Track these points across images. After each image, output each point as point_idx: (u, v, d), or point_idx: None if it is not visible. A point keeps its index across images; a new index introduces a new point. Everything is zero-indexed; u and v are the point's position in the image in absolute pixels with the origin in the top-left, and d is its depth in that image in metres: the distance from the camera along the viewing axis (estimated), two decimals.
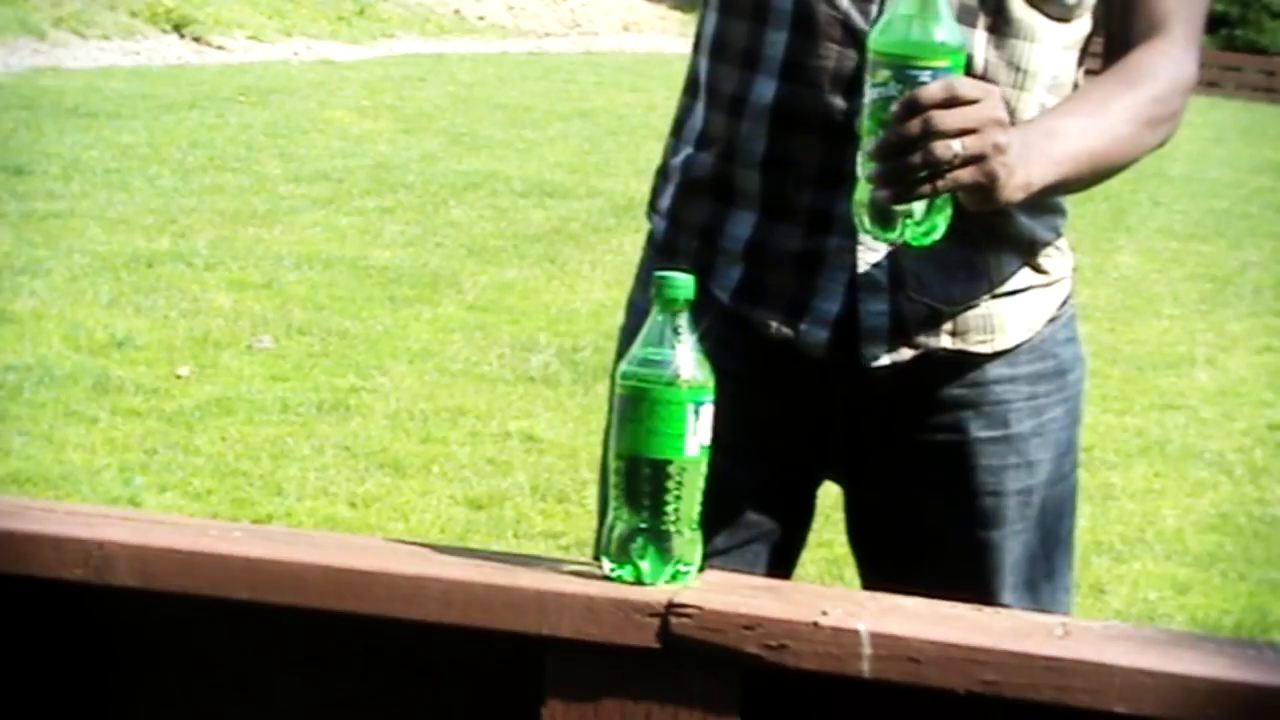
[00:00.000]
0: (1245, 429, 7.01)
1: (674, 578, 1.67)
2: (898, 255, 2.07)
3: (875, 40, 1.80)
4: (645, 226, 2.26)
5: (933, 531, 2.15)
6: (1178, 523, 5.75)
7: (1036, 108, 2.08)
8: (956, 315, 2.11)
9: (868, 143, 1.81)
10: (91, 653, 1.78)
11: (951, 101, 1.76)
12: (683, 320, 1.68)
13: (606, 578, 1.67)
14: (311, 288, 8.02)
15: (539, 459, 5.86)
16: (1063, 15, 2.07)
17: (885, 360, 2.08)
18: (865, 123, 1.80)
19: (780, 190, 2.11)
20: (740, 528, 2.15)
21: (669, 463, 1.67)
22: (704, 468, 1.69)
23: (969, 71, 1.92)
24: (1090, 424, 6.58)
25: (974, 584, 2.09)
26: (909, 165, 1.77)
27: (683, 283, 1.69)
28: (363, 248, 8.98)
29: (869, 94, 1.79)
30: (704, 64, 2.16)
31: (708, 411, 1.68)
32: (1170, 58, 2.06)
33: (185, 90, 13.72)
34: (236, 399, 6.25)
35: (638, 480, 1.67)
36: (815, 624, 1.58)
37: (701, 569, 1.70)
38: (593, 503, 5.38)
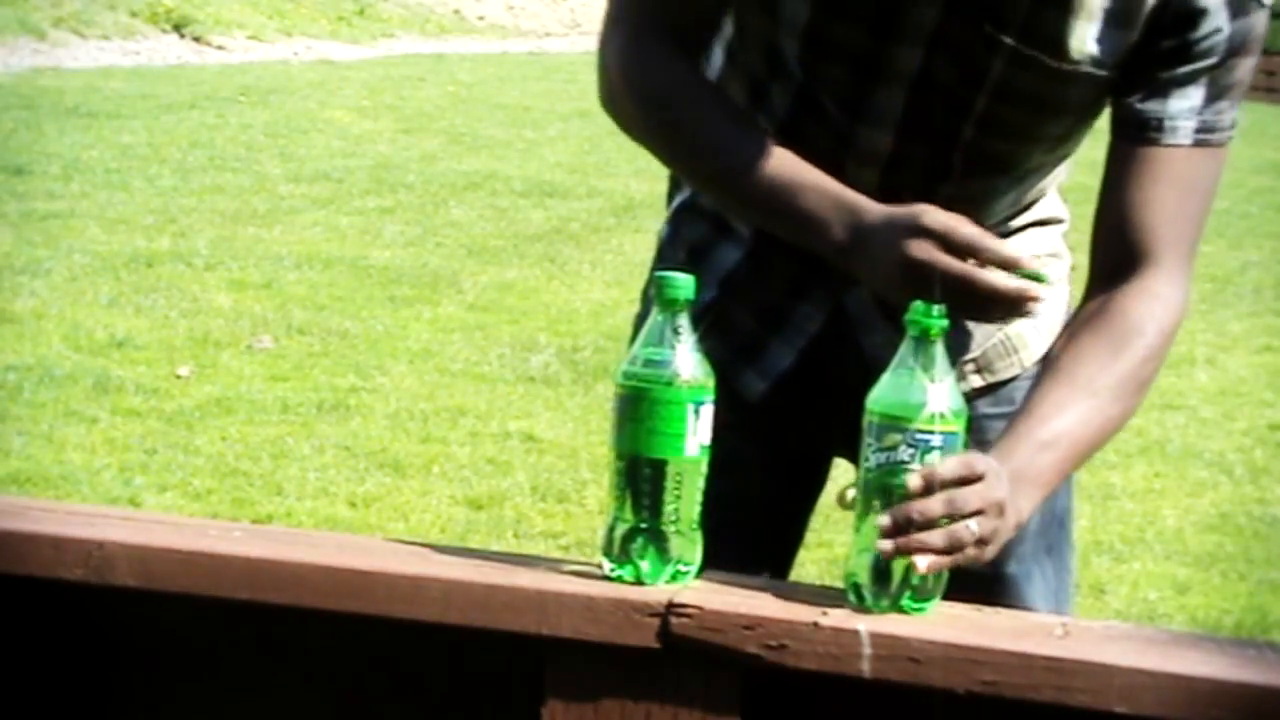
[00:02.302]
0: (1245, 429, 7.00)
1: (674, 578, 1.67)
2: (900, 322, 2.10)
3: (880, 402, 1.68)
4: (646, 226, 2.28)
5: None
6: (1178, 523, 5.74)
7: (1004, 208, 2.10)
8: (976, 357, 2.14)
9: (875, 509, 1.68)
10: (91, 653, 1.78)
11: (966, 480, 1.69)
12: (683, 320, 1.68)
13: (606, 578, 1.67)
14: (311, 288, 8.01)
15: (539, 459, 5.86)
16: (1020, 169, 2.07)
17: None
18: (868, 484, 1.68)
19: (768, 250, 2.13)
20: (742, 503, 2.15)
21: (669, 463, 1.67)
22: (704, 468, 1.69)
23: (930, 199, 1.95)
24: None
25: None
26: (929, 545, 1.66)
27: (683, 283, 1.69)
28: (363, 248, 8.98)
29: (873, 457, 1.67)
30: None
31: (707, 412, 1.68)
32: (1160, 300, 1.96)
33: (185, 90, 13.72)
34: (236, 399, 6.25)
35: (638, 480, 1.67)
36: (815, 624, 1.58)
37: (701, 570, 1.70)
38: (593, 503, 5.39)
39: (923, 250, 1.86)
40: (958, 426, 1.67)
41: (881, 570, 1.65)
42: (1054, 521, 2.22)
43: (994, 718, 1.56)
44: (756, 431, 2.14)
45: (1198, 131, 1.96)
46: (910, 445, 1.65)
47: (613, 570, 1.68)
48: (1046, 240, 2.16)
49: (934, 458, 1.65)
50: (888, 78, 1.99)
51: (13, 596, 1.75)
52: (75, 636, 1.78)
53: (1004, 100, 1.99)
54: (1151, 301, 1.95)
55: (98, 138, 11.14)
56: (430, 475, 5.63)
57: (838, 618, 1.59)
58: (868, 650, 1.57)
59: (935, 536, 1.66)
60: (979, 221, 2.01)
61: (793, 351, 2.13)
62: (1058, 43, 1.94)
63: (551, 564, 1.72)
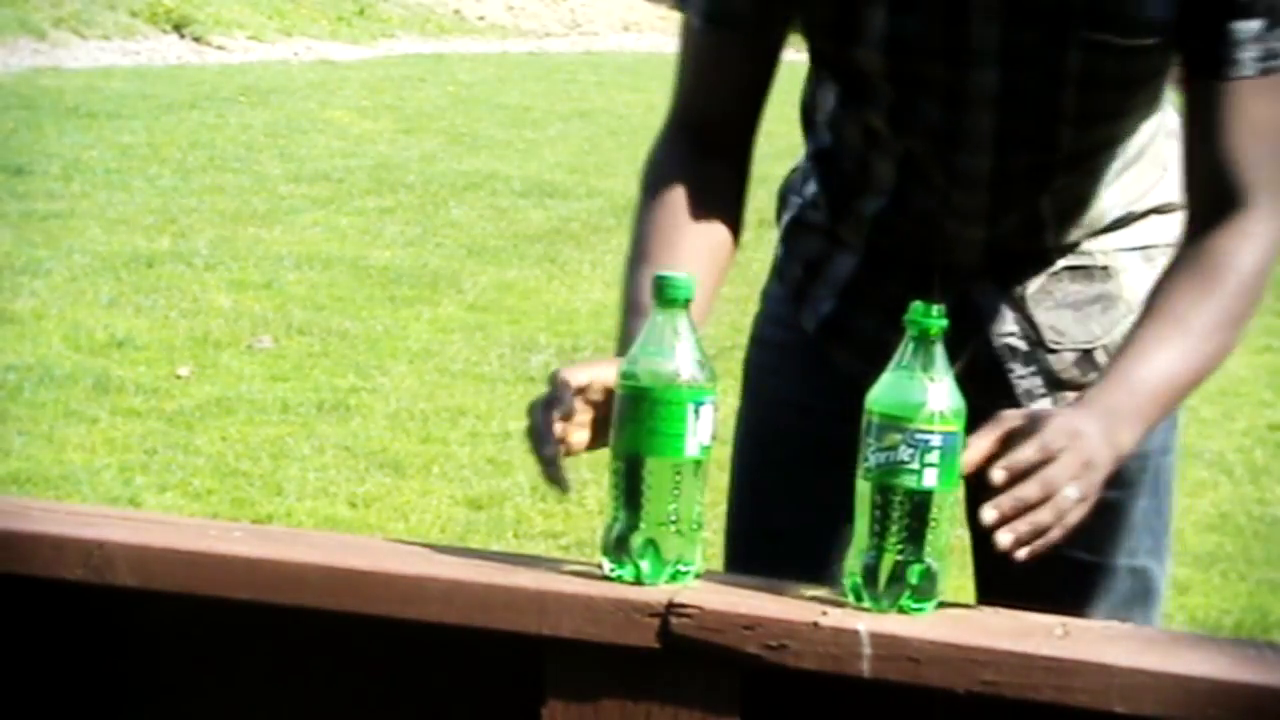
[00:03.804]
0: (1245, 429, 7.00)
1: (674, 578, 1.67)
2: (1028, 313, 2.13)
3: (880, 402, 1.67)
4: None
5: None
6: (1178, 523, 5.71)
7: (1113, 176, 2.11)
8: (1108, 345, 2.15)
9: (869, 509, 1.66)
10: (91, 653, 1.78)
11: (1047, 460, 1.70)
12: (683, 320, 1.68)
13: (606, 578, 1.67)
14: (311, 288, 8.01)
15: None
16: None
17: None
18: (868, 486, 1.67)
19: (884, 254, 2.17)
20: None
21: (669, 463, 1.67)
22: (704, 468, 1.69)
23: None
24: None
25: (1101, 541, 2.16)
26: (1041, 524, 1.68)
27: (682, 283, 1.69)
28: (363, 248, 8.98)
29: (873, 457, 1.66)
30: (825, 136, 2.20)
31: (708, 412, 1.68)
32: (1253, 238, 1.93)
33: (185, 90, 13.72)
34: (236, 399, 6.25)
35: (637, 480, 1.67)
36: (815, 624, 1.58)
37: (699, 574, 1.69)
38: (593, 503, 5.38)
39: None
40: (957, 426, 1.67)
41: (880, 570, 1.65)
42: (1161, 520, 2.28)
43: (994, 718, 1.56)
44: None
45: (1261, 60, 1.92)
46: (910, 445, 1.65)
47: (613, 570, 1.67)
48: (1168, 229, 2.16)
49: (933, 458, 1.65)
50: (975, 102, 2.00)
51: (13, 596, 1.75)
52: (75, 637, 1.78)
53: (1091, 90, 1.99)
54: (1242, 239, 1.92)
55: (98, 138, 11.14)
56: (430, 475, 5.63)
57: (838, 618, 1.59)
58: (868, 650, 1.57)
59: (1043, 513, 1.69)
60: (1091, 194, 2.08)
61: None
62: (1123, 19, 1.94)
63: (551, 564, 1.72)
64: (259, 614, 1.68)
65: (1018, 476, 1.69)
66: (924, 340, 1.67)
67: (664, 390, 1.66)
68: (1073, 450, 1.72)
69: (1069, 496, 1.71)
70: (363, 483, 5.50)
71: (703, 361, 1.68)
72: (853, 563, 1.68)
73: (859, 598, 1.67)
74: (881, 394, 1.68)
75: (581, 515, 5.33)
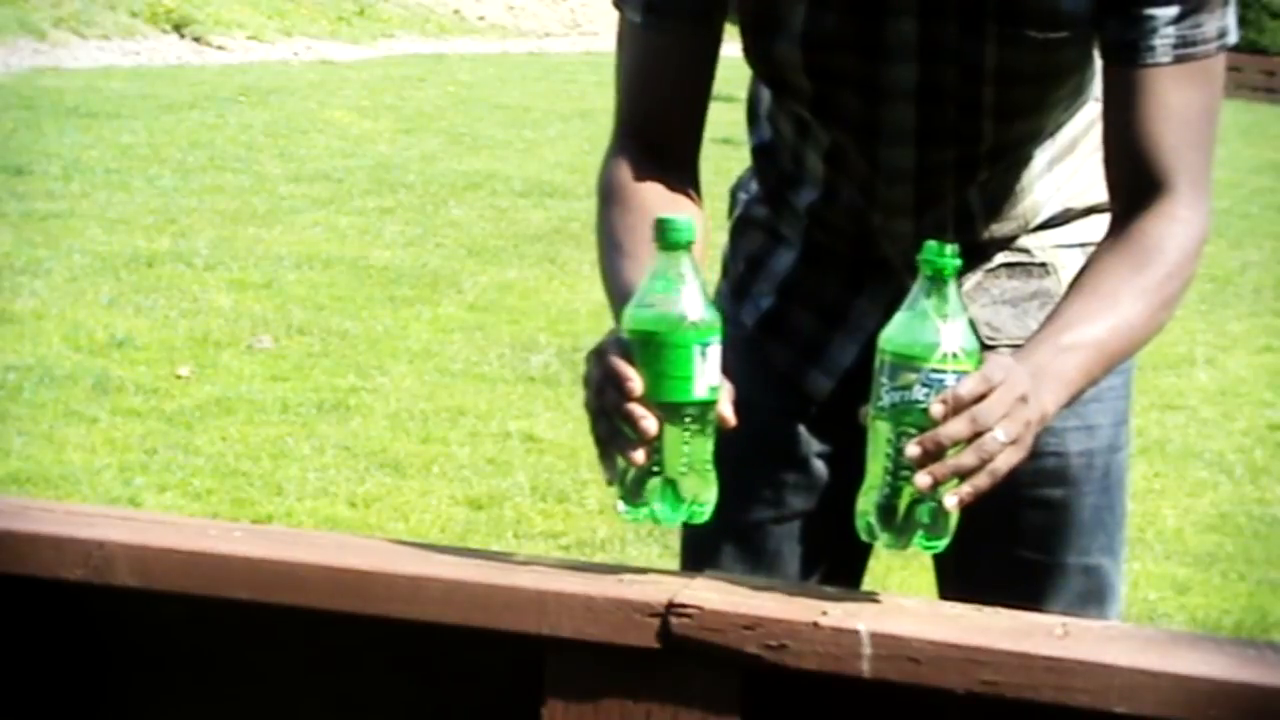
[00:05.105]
0: (1245, 429, 7.01)
1: (690, 516, 1.68)
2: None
3: (894, 342, 1.67)
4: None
5: (1001, 490, 2.18)
6: (1178, 523, 5.75)
7: (1041, 168, 2.11)
8: None
9: (884, 448, 1.67)
10: (91, 653, 1.78)
11: (985, 395, 1.67)
12: (686, 263, 1.68)
13: (613, 571, 1.67)
14: (311, 288, 8.02)
15: (539, 459, 5.86)
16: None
17: None
18: (883, 425, 1.67)
19: (821, 251, 2.19)
20: (815, 497, 2.20)
21: (679, 405, 1.67)
22: (714, 409, 1.69)
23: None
24: None
25: (1050, 540, 2.16)
26: (963, 466, 1.65)
27: (684, 225, 1.68)
28: (363, 248, 8.99)
29: (887, 396, 1.66)
30: (765, 129, 2.22)
31: (715, 352, 1.68)
32: (1179, 221, 1.92)
33: (185, 90, 13.74)
34: (236, 399, 6.25)
35: None
36: (815, 624, 1.58)
37: (716, 508, 1.70)
38: (593, 503, 5.39)
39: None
40: (971, 366, 1.67)
41: (891, 508, 1.66)
42: (1114, 519, 2.24)
43: (994, 718, 1.56)
44: (827, 428, 2.17)
45: (1176, 47, 1.91)
46: (925, 385, 1.65)
47: (628, 513, 1.68)
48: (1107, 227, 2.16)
49: None
50: (893, 96, 2.01)
51: (13, 596, 1.75)
52: (75, 636, 1.78)
53: (1009, 84, 1.99)
54: (1170, 223, 1.92)
55: (98, 138, 11.15)
56: (430, 475, 5.63)
57: (838, 618, 1.59)
58: (868, 650, 1.57)
59: (966, 456, 1.65)
60: (1019, 187, 2.09)
61: (856, 346, 2.15)
62: (1038, 12, 1.94)
63: (551, 564, 1.72)
64: (259, 614, 1.68)
65: (955, 409, 1.65)
66: (937, 280, 1.67)
67: (670, 333, 1.66)
68: (1008, 385, 1.69)
69: (997, 438, 1.66)
70: (363, 483, 5.51)
71: (707, 302, 1.68)
72: (864, 502, 1.69)
73: (872, 536, 1.68)
74: (894, 334, 1.68)
75: (581, 515, 5.34)
